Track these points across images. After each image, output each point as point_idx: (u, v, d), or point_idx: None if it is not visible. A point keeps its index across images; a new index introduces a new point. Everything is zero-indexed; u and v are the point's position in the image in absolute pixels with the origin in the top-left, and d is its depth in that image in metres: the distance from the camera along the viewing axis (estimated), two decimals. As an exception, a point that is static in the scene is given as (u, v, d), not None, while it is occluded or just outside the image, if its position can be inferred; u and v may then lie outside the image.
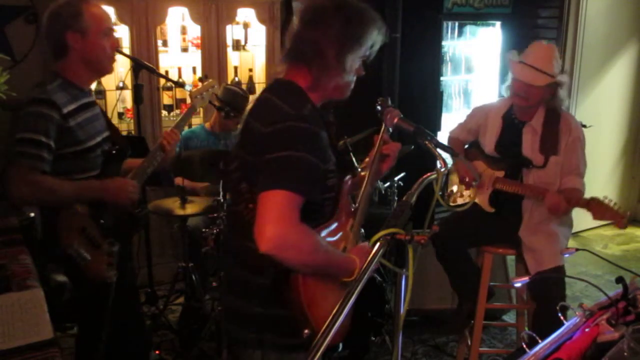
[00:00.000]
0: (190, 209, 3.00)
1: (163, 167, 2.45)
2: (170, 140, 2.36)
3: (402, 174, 3.55)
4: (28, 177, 1.97)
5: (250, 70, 4.25)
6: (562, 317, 1.32)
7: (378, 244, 1.26)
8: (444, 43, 4.37)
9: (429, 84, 4.34)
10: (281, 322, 1.52)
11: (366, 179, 1.68)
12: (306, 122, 1.46)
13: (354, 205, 1.68)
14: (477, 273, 2.84)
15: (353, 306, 1.14)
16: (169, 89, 3.90)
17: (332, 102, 1.66)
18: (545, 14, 4.79)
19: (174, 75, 3.87)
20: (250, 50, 4.28)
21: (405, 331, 1.93)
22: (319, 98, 1.60)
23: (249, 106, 1.63)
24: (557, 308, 1.35)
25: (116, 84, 3.81)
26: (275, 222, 1.35)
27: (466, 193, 2.95)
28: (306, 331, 1.45)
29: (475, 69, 4.79)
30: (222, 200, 2.86)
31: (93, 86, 2.98)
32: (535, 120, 2.71)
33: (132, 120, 3.84)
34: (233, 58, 4.13)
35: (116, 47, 2.23)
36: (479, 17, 4.51)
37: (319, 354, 1.06)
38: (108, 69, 2.25)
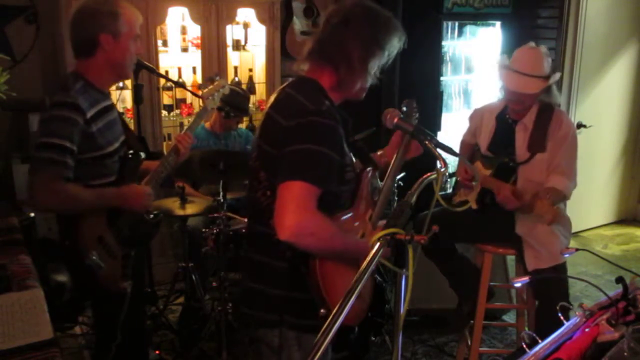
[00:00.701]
0: (190, 210, 3.00)
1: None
2: (185, 143, 2.34)
3: (402, 174, 3.55)
4: (53, 185, 1.91)
5: (250, 70, 4.25)
6: (562, 317, 1.32)
7: (378, 244, 1.26)
8: (444, 43, 4.37)
9: (429, 84, 4.34)
10: (300, 304, 1.60)
11: (387, 173, 1.72)
12: (325, 118, 1.53)
13: (376, 196, 1.74)
14: (477, 273, 2.84)
15: (371, 291, 1.21)
16: (169, 89, 3.90)
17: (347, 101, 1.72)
18: (545, 14, 4.80)
19: (174, 75, 3.87)
20: (250, 50, 4.29)
21: (405, 331, 1.94)
22: (340, 98, 1.67)
23: (271, 100, 1.69)
24: (557, 308, 1.35)
25: (116, 84, 3.81)
26: (294, 211, 1.43)
27: (465, 192, 2.95)
28: (322, 311, 1.51)
29: (475, 69, 4.79)
30: (222, 200, 2.86)
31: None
32: (527, 118, 2.70)
33: (132, 120, 3.84)
34: (233, 58, 4.14)
35: (140, 53, 2.19)
36: (479, 17, 4.51)
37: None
38: (129, 74, 2.23)
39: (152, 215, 2.31)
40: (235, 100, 3.28)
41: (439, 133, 4.29)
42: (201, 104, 2.69)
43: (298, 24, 4.38)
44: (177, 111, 4.01)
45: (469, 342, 2.94)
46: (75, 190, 1.96)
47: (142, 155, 2.26)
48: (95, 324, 2.34)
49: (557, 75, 2.66)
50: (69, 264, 2.11)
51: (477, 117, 2.96)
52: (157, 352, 3.09)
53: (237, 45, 4.16)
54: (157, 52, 3.73)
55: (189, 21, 3.86)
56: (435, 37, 4.28)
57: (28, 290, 1.75)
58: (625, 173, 5.42)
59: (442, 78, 4.44)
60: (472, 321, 2.88)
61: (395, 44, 1.66)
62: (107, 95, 2.18)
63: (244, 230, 2.86)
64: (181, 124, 4.01)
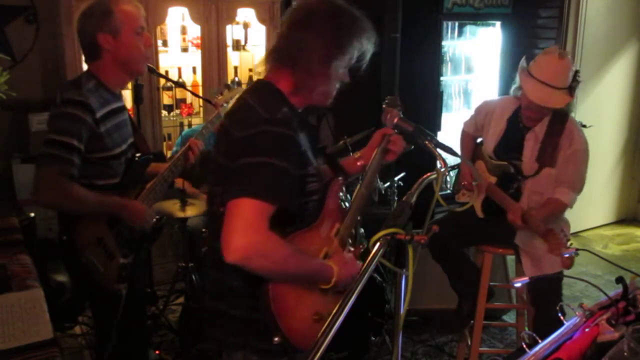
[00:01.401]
0: (190, 212, 2.98)
1: None
2: (196, 151, 2.35)
3: (402, 174, 3.55)
4: (57, 182, 1.91)
5: (250, 70, 4.24)
6: (562, 318, 1.32)
7: (378, 244, 1.26)
8: (444, 43, 4.37)
9: (429, 84, 4.34)
10: (260, 326, 1.47)
11: (361, 181, 1.65)
12: (280, 126, 1.40)
13: (345, 205, 1.65)
14: (477, 273, 2.84)
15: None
16: (169, 89, 3.90)
17: (313, 106, 1.61)
18: (545, 14, 4.79)
19: (174, 76, 3.87)
20: (250, 50, 4.28)
21: (405, 331, 1.93)
22: (301, 102, 1.55)
23: (228, 107, 1.59)
24: (557, 308, 1.35)
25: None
26: (242, 232, 1.32)
27: (468, 192, 2.94)
28: (276, 339, 1.43)
29: (475, 69, 4.79)
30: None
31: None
32: (539, 127, 2.61)
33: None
34: (233, 58, 4.13)
35: (150, 45, 2.14)
36: (479, 17, 4.50)
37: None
38: (142, 69, 2.17)
39: (154, 220, 2.29)
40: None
41: (439, 133, 4.29)
42: (201, 104, 2.70)
43: (298, 24, 4.37)
44: (177, 111, 4.01)
45: (469, 342, 2.94)
46: (78, 191, 1.95)
47: (151, 157, 2.25)
48: (95, 324, 2.34)
49: (579, 84, 2.53)
50: (66, 262, 2.11)
51: (486, 113, 2.84)
52: (157, 352, 3.09)
53: (237, 45, 4.16)
54: (157, 52, 3.73)
55: (189, 21, 3.86)
56: (435, 37, 4.28)
57: (28, 290, 1.75)
58: (625, 173, 5.42)
59: (442, 78, 4.44)
60: (472, 321, 2.88)
61: (364, 46, 1.52)
62: (119, 97, 2.17)
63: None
64: (181, 124, 4.01)
